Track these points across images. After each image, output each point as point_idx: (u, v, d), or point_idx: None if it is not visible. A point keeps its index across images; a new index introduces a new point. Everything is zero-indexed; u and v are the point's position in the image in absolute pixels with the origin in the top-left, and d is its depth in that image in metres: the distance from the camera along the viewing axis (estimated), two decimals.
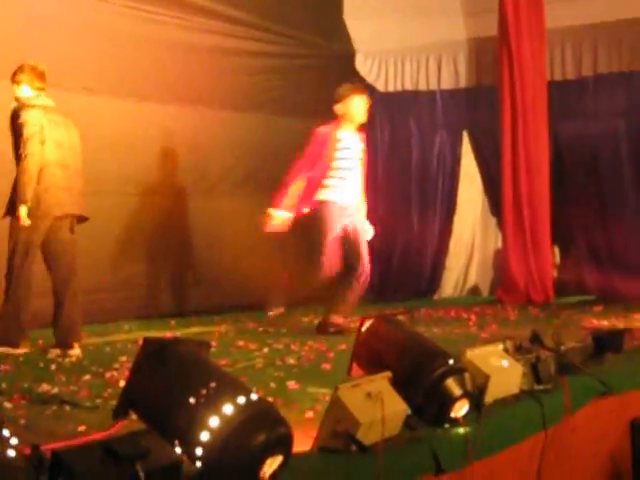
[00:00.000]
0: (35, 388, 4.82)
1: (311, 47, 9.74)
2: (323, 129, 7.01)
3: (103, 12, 7.66)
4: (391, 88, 10.46)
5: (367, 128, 10.51)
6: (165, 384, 2.89)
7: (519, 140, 9.11)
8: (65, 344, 6.00)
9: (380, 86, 10.45)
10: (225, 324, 7.63)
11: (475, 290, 10.24)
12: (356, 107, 7.07)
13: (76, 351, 5.97)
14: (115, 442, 2.54)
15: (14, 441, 2.36)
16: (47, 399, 4.56)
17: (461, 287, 10.23)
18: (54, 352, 5.96)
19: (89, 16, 7.56)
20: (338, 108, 7.05)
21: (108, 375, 5.18)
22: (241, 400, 2.80)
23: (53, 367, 5.56)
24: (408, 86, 10.36)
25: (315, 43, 9.77)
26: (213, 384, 2.83)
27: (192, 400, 2.79)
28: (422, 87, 10.26)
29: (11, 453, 2.30)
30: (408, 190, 10.22)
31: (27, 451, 2.46)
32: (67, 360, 5.79)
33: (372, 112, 10.52)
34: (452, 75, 10.11)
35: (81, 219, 6.26)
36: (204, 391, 2.80)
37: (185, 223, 8.56)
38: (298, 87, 9.56)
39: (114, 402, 3.83)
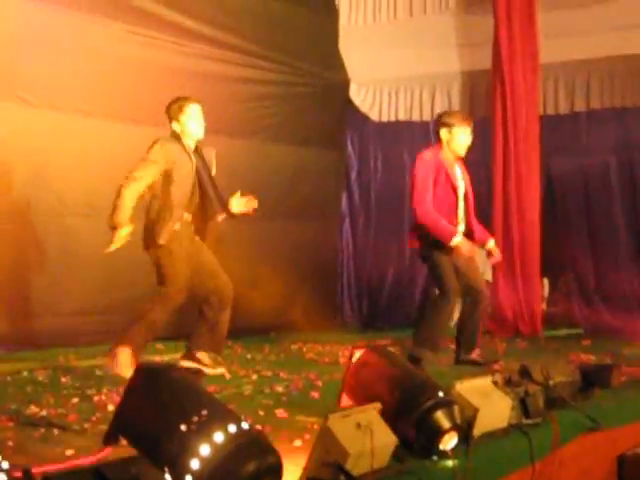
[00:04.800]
0: (23, 410, 4.81)
1: (306, 75, 9.78)
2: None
3: (101, 36, 7.68)
4: (385, 118, 10.51)
5: (360, 158, 10.66)
6: (156, 410, 2.89)
7: (511, 173, 9.14)
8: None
9: (374, 116, 10.51)
10: None
11: None
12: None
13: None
14: (105, 467, 2.54)
15: (5, 465, 2.36)
16: (35, 421, 4.54)
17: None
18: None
19: (86, 39, 7.58)
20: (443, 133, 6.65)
21: (97, 399, 5.16)
22: (232, 428, 2.80)
23: (41, 389, 5.55)
24: (402, 116, 10.41)
25: (310, 72, 9.81)
26: (205, 411, 2.83)
27: (183, 427, 2.79)
28: (416, 118, 10.32)
29: (2, 477, 2.30)
30: (400, 220, 10.24)
31: (18, 474, 2.46)
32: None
33: (366, 142, 10.67)
34: (445, 106, 10.14)
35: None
36: (195, 418, 2.80)
37: None
38: (292, 115, 9.59)
39: (103, 426, 3.84)
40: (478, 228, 6.90)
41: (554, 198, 9.56)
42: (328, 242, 10.32)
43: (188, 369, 3.07)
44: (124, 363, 5.63)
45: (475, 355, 6.78)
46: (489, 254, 6.93)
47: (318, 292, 9.46)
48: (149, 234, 5.88)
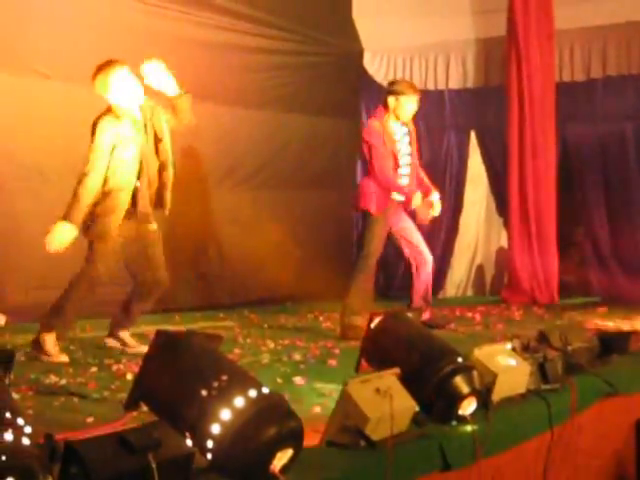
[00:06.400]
0: (42, 379, 4.84)
1: (320, 45, 9.73)
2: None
3: (108, 6, 7.63)
4: None
5: None
6: (177, 376, 2.90)
7: (526, 140, 9.11)
8: None
9: None
10: (230, 319, 7.64)
11: (477, 289, 10.24)
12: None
13: None
14: (128, 433, 2.56)
15: (28, 429, 2.37)
16: (55, 390, 4.58)
17: (464, 286, 10.24)
18: None
19: (94, 9, 7.54)
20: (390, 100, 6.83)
21: (115, 368, 5.20)
22: (252, 393, 2.81)
23: None
24: (416, 85, 10.33)
25: (324, 41, 9.76)
26: (225, 377, 2.84)
27: (204, 392, 2.80)
28: (430, 86, 10.24)
29: (26, 441, 2.31)
30: None
31: (40, 440, 2.47)
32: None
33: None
34: (460, 75, 10.10)
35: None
36: (216, 384, 2.81)
37: (190, 218, 8.55)
38: (306, 84, 9.55)
39: (122, 394, 3.86)
40: (423, 185, 7.06)
41: (570, 165, 9.52)
42: (343, 212, 10.28)
43: (208, 335, 3.07)
44: (53, 350, 5.51)
45: (425, 317, 6.92)
46: (428, 206, 7.05)
47: (334, 262, 9.42)
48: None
